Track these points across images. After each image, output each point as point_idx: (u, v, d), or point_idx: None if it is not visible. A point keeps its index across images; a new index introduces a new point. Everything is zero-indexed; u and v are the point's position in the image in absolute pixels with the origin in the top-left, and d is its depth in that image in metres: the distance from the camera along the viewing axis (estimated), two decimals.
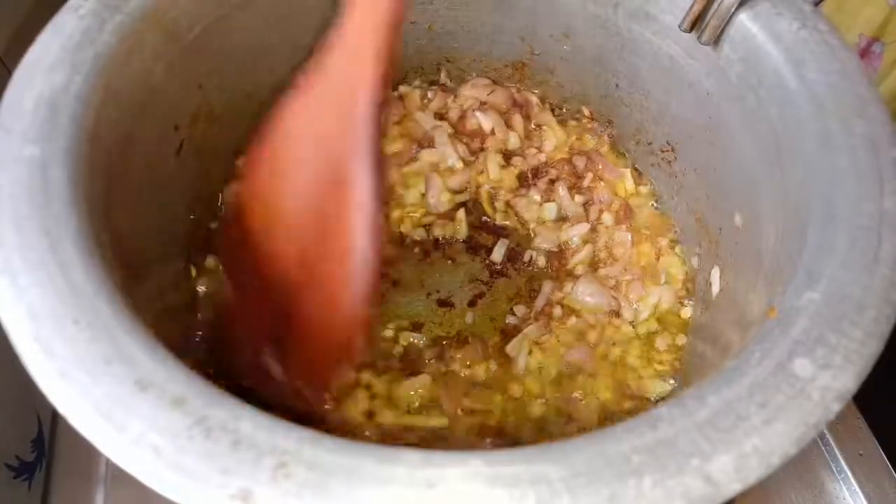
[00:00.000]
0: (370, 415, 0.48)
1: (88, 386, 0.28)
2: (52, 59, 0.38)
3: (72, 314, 0.30)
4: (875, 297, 0.31)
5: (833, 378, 0.29)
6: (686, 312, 0.53)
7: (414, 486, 0.26)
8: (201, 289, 0.53)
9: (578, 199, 0.58)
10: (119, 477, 0.54)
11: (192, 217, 0.52)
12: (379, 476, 0.26)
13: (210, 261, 0.53)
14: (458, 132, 0.61)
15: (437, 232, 0.57)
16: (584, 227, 0.57)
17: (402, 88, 0.64)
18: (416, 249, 0.56)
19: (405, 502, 0.26)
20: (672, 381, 0.50)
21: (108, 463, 0.24)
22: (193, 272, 0.53)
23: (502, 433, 0.48)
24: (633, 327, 0.53)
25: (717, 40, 0.45)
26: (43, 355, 0.28)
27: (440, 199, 0.58)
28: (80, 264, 0.31)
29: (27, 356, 0.29)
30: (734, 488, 0.26)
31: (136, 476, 0.26)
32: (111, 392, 0.28)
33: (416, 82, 0.64)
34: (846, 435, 0.60)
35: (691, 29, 0.46)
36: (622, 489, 0.26)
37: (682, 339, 0.52)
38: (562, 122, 0.63)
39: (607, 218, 0.57)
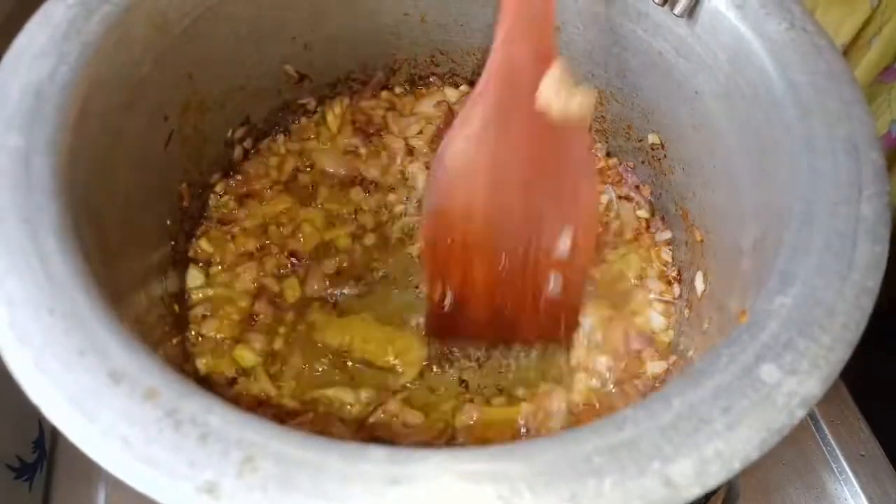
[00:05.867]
0: None
1: (61, 376, 0.28)
2: (39, 48, 0.38)
3: (48, 304, 0.30)
4: (846, 303, 0.31)
5: (799, 384, 0.29)
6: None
7: (379, 482, 0.27)
8: (190, 276, 0.53)
9: None
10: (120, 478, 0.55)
11: (181, 206, 0.52)
12: (345, 472, 0.27)
13: (197, 249, 0.54)
14: None
15: None
16: None
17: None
18: None
19: (370, 497, 0.26)
20: None
21: None
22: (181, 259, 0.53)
23: None
24: None
25: (691, 13, 0.45)
26: (18, 343, 0.29)
27: None
28: (58, 254, 0.32)
29: (2, 343, 0.29)
30: (694, 492, 0.26)
31: (104, 467, 0.26)
32: (83, 383, 0.28)
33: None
34: (848, 436, 0.60)
35: (664, 2, 0.46)
36: (581, 489, 0.26)
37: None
38: None
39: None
